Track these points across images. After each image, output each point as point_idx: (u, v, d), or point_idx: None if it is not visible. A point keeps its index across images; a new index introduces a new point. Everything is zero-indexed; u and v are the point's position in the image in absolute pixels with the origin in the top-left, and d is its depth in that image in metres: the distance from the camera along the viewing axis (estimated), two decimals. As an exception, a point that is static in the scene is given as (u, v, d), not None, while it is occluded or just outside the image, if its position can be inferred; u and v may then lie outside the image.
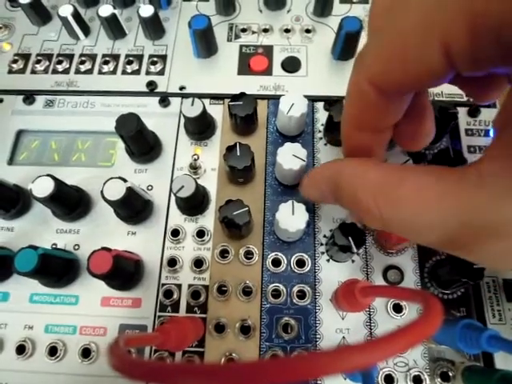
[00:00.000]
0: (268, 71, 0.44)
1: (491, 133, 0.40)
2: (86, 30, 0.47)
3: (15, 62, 0.45)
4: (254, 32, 0.47)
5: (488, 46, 0.17)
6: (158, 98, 0.43)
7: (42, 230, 0.38)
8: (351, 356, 0.13)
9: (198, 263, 0.36)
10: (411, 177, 0.22)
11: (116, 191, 0.33)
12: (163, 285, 0.35)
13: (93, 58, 0.46)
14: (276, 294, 0.35)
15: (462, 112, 0.41)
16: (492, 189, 0.18)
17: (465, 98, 0.42)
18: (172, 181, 0.38)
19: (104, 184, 0.33)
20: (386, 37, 0.21)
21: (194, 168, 0.39)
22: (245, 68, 0.44)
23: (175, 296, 0.35)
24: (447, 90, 0.42)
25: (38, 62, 0.45)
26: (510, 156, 0.18)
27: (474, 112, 0.41)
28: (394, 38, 0.21)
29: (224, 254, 0.36)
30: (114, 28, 0.45)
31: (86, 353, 0.33)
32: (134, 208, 0.36)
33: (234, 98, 0.37)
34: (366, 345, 0.14)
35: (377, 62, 0.22)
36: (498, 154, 0.19)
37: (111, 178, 0.33)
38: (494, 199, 0.18)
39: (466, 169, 0.20)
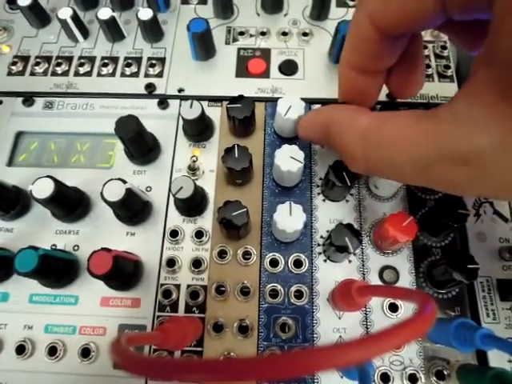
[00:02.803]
0: (266, 74, 0.44)
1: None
2: (85, 33, 0.47)
3: (14, 64, 0.46)
4: (251, 35, 0.47)
5: None
6: (156, 101, 0.43)
7: (41, 230, 0.38)
8: (346, 352, 0.13)
9: (197, 264, 0.36)
10: (392, 119, 0.24)
11: (115, 192, 0.33)
12: (162, 285, 0.36)
13: (92, 60, 0.46)
14: (274, 293, 0.35)
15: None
16: (462, 122, 0.21)
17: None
18: (171, 182, 0.39)
19: (103, 185, 0.33)
20: None
21: (193, 169, 0.39)
22: (243, 71, 0.45)
23: (174, 296, 0.35)
24: (442, 93, 0.43)
25: (37, 64, 0.45)
26: (478, 93, 0.20)
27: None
28: None
29: (222, 254, 0.36)
30: (113, 31, 0.46)
31: (85, 352, 0.33)
32: (133, 209, 0.36)
33: (232, 100, 0.37)
34: (362, 341, 0.14)
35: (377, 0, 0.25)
36: (468, 92, 0.21)
37: (111, 180, 0.33)
38: (464, 131, 0.20)
39: (440, 108, 0.22)
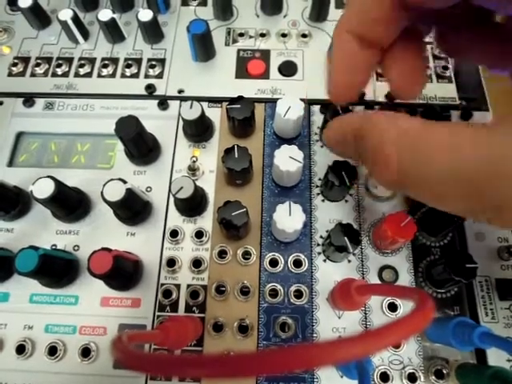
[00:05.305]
0: (265, 75, 0.45)
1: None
2: (86, 34, 0.47)
3: (15, 65, 0.46)
4: (251, 36, 0.47)
5: None
6: (156, 101, 0.43)
7: (41, 231, 0.38)
8: (341, 348, 0.14)
9: (197, 263, 0.36)
10: (439, 123, 0.21)
11: (116, 192, 0.33)
12: (162, 285, 0.36)
13: (92, 61, 0.46)
14: (273, 293, 0.35)
15: (454, 115, 0.41)
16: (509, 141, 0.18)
17: (457, 102, 0.43)
18: (171, 182, 0.39)
19: (104, 185, 0.33)
20: None
21: (193, 170, 0.39)
22: (242, 72, 0.45)
23: (174, 296, 0.35)
24: (440, 94, 0.43)
25: (38, 65, 0.46)
26: None
27: (466, 115, 0.41)
28: None
29: (222, 254, 0.36)
30: (113, 32, 0.46)
31: (85, 352, 0.33)
32: (133, 209, 0.36)
33: (232, 101, 0.38)
34: (361, 337, 0.14)
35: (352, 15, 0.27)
36: None
37: (111, 180, 0.34)
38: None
39: (501, 118, 0.20)
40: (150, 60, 0.46)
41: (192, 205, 0.37)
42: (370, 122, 0.25)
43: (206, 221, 0.38)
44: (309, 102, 0.42)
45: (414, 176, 0.22)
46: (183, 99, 0.43)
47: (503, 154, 0.18)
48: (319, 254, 0.36)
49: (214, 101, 0.43)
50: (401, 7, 0.25)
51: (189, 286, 0.36)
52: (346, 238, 0.32)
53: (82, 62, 0.46)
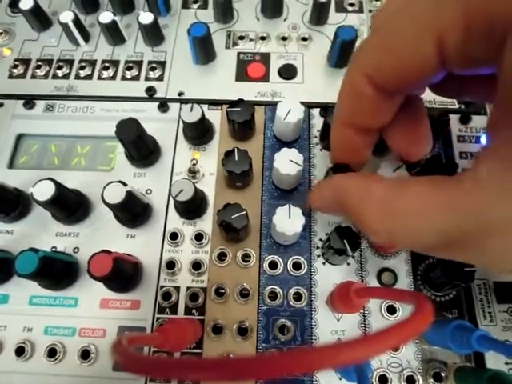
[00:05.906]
0: (265, 78, 0.45)
1: (482, 139, 0.41)
2: (86, 36, 0.47)
3: (15, 67, 0.46)
4: (251, 39, 0.47)
5: (480, 40, 0.19)
6: (157, 104, 0.43)
7: (41, 233, 0.38)
8: (340, 353, 0.14)
9: (196, 266, 0.36)
10: (411, 188, 0.22)
11: (116, 195, 0.33)
12: (162, 287, 0.36)
13: (92, 63, 0.46)
14: (273, 296, 0.35)
15: (453, 119, 0.42)
16: (491, 189, 0.18)
17: (456, 106, 0.43)
18: (171, 185, 0.39)
19: (104, 188, 0.33)
20: (383, 30, 0.23)
21: (193, 172, 0.40)
22: (242, 75, 0.45)
23: (173, 298, 0.35)
24: (439, 98, 0.43)
25: (38, 67, 0.46)
26: (504, 155, 0.19)
27: (465, 119, 0.42)
28: (390, 30, 0.22)
29: (222, 256, 0.37)
30: (114, 34, 0.46)
31: (85, 354, 0.34)
32: (133, 211, 0.36)
33: (232, 104, 0.38)
34: (360, 341, 0.14)
35: (372, 54, 0.23)
36: (492, 155, 0.19)
37: (111, 182, 0.34)
38: (494, 199, 0.18)
39: (463, 174, 0.20)
40: (150, 62, 0.46)
41: (192, 207, 0.37)
42: (349, 189, 0.26)
43: (206, 223, 0.38)
44: (308, 105, 0.42)
45: (401, 238, 0.23)
46: (183, 102, 0.43)
47: (470, 210, 0.19)
48: (318, 256, 0.37)
49: (214, 103, 0.44)
50: (387, 96, 0.25)
51: (188, 288, 0.36)
52: (345, 241, 0.32)
53: (83, 64, 0.46)
